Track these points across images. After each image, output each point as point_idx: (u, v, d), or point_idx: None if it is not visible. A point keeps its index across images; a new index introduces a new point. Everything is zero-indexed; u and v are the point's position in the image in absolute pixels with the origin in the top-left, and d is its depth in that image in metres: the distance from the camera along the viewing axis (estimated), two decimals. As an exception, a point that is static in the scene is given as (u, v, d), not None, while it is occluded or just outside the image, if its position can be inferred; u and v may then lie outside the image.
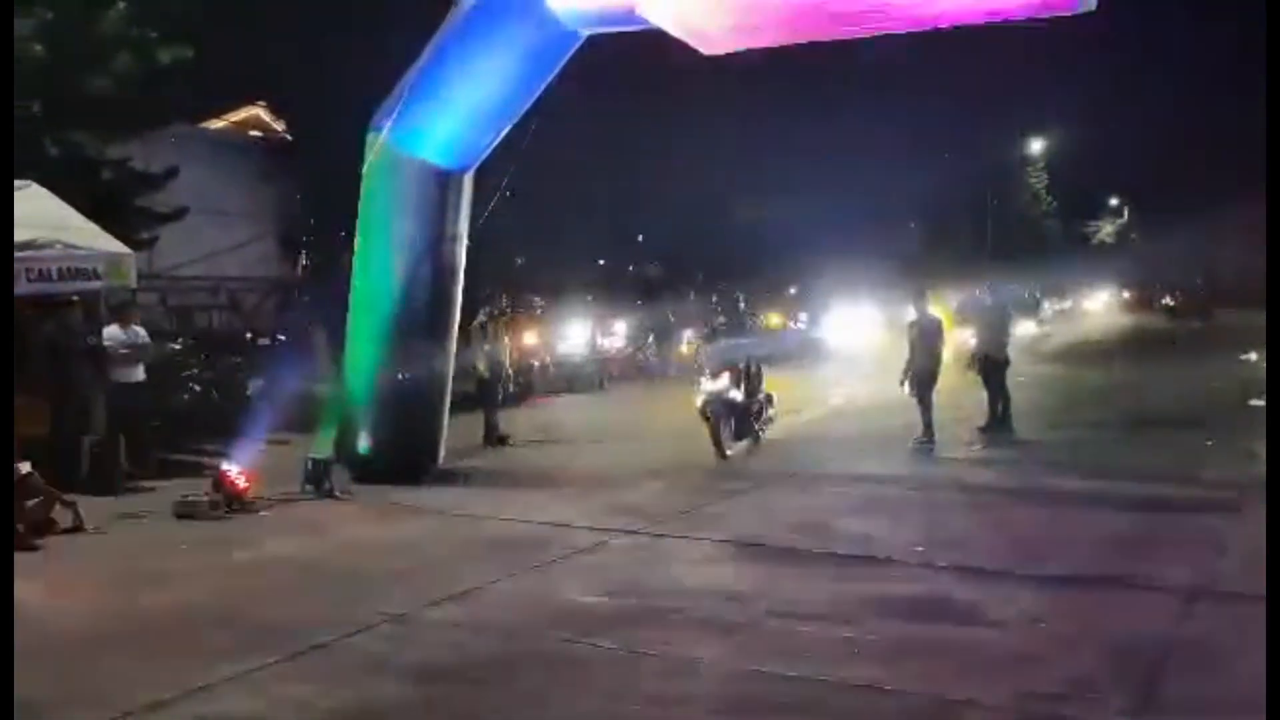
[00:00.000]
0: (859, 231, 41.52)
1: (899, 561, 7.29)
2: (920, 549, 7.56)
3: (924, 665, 5.29)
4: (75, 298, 10.84)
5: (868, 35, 10.33)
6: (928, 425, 12.14)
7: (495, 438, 13.38)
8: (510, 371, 14.57)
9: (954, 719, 4.66)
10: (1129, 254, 66.45)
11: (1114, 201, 71.55)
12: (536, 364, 19.83)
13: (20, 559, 7.92)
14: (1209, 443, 11.91)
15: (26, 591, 6.94)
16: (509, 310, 16.29)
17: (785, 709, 4.83)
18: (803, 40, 10.59)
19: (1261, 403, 13.75)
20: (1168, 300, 52.78)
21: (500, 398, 13.95)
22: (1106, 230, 71.71)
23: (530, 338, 19.91)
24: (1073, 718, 4.64)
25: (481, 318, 12.00)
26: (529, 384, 19.02)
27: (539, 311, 22.95)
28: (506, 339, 14.56)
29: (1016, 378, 17.97)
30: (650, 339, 25.89)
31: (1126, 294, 65.68)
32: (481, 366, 13.39)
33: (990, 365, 13.07)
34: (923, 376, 12.32)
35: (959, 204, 50.67)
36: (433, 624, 6.18)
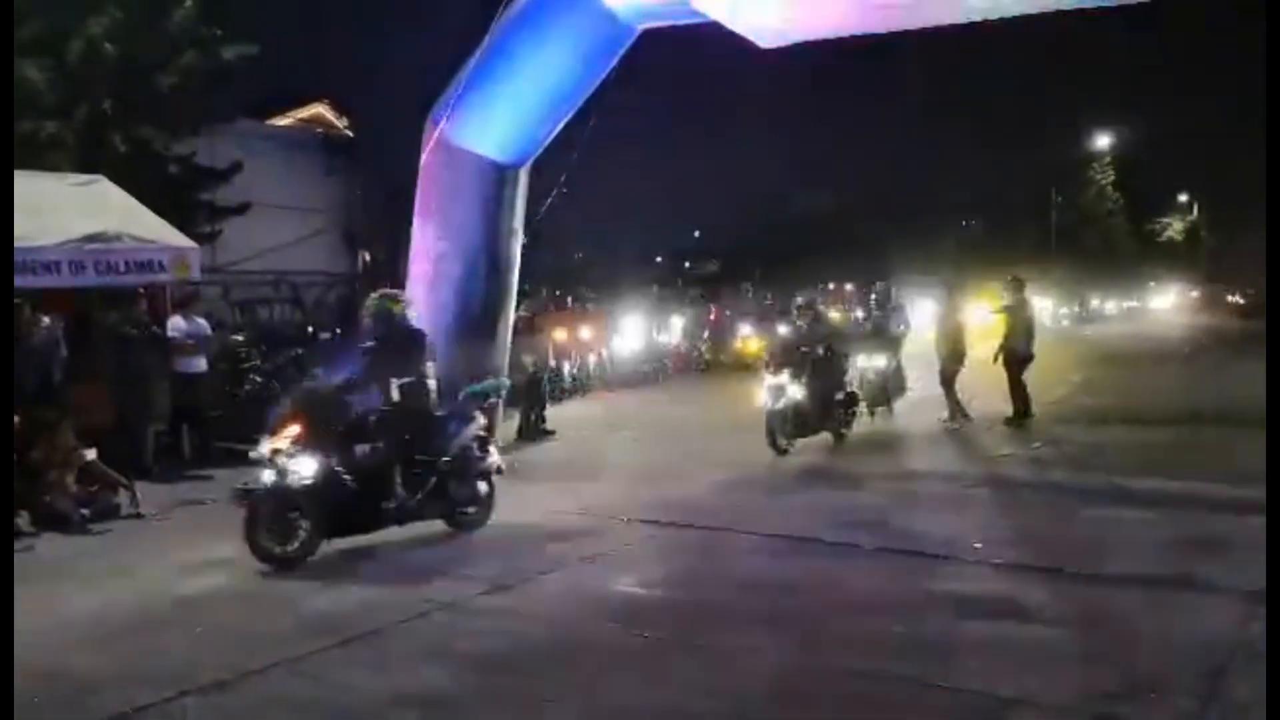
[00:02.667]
0: (920, 227, 41.15)
1: (956, 558, 7.18)
2: (978, 545, 7.44)
3: (979, 662, 5.20)
4: (140, 290, 11.09)
5: (927, 27, 10.19)
6: (954, 405, 13.53)
7: (541, 430, 13.46)
8: (553, 366, 14.54)
9: (1009, 717, 4.57)
10: (1199, 252, 64.94)
11: (1183, 198, 69.90)
12: (594, 358, 19.86)
13: (84, 543, 8.16)
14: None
15: (89, 575, 7.13)
16: (559, 302, 16.26)
17: (838, 702, 4.78)
18: (861, 32, 10.47)
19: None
20: (1238, 299, 51.45)
21: (544, 392, 13.97)
22: (1175, 228, 70.13)
23: (586, 333, 19.93)
24: (1132, 718, 4.53)
25: (523, 312, 12.02)
26: (586, 378, 19.06)
27: (591, 306, 22.94)
28: (549, 333, 14.55)
29: (1071, 378, 17.87)
30: (706, 334, 25.82)
31: (1195, 292, 64.19)
32: (527, 361, 13.43)
33: (1013, 359, 13.62)
34: (947, 364, 13.65)
35: (1023, 200, 49.96)
36: (484, 612, 6.22)
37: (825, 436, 12.08)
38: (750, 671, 5.19)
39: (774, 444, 11.33)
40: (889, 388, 14.17)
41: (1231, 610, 5.93)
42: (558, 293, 20.29)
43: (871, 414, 13.73)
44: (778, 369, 11.59)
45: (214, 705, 4.83)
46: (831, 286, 41.14)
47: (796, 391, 11.49)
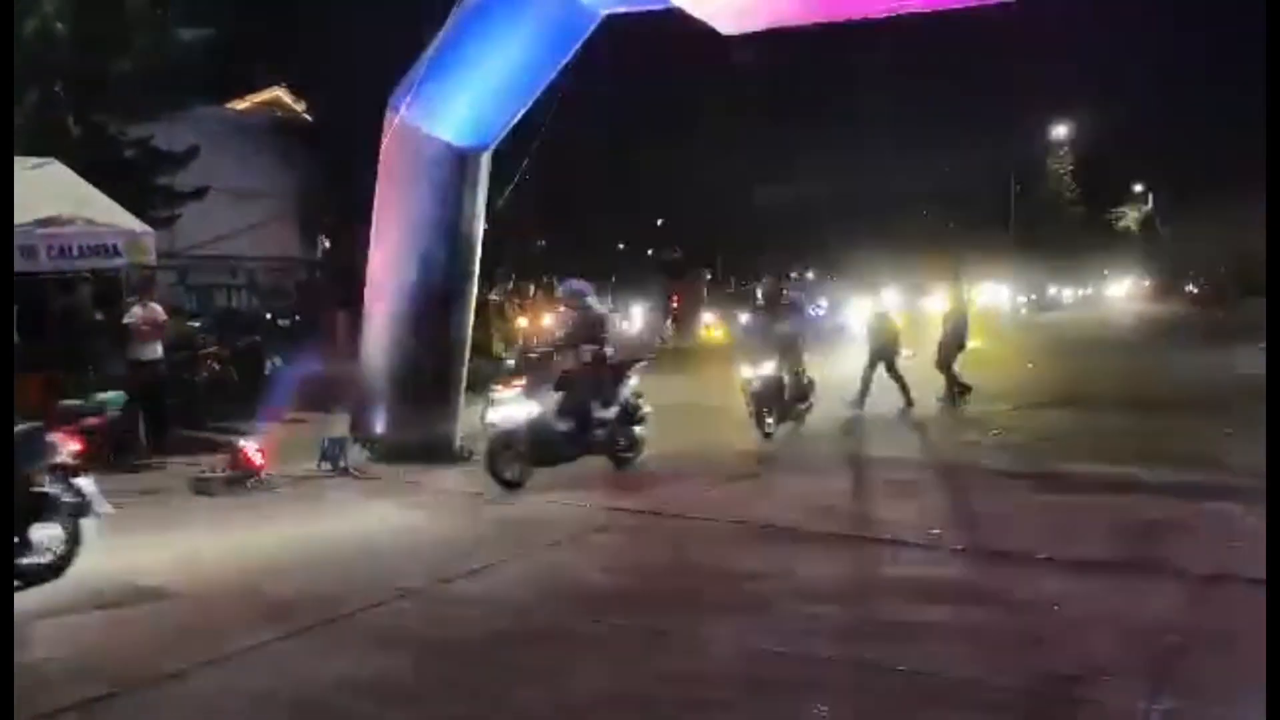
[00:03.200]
0: (881, 217, 41.43)
1: (914, 544, 7.25)
2: (936, 532, 7.52)
3: (938, 646, 5.26)
4: (88, 274, 10.91)
5: (888, 15, 10.23)
6: (864, 389, 14.08)
7: None
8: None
9: (967, 699, 4.63)
10: (1153, 241, 65.89)
11: (1138, 188, 70.85)
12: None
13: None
14: (1228, 431, 11.79)
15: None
16: (523, 290, 16.11)
17: (798, 687, 4.81)
18: (823, 20, 10.50)
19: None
20: (1191, 288, 52.32)
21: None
22: (1131, 217, 71.05)
23: (549, 320, 19.86)
24: (1088, 700, 4.60)
25: (495, 296, 11.76)
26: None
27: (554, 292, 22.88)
28: (519, 318, 14.41)
29: (1026, 365, 18.20)
30: (669, 321, 25.91)
31: (1148, 282, 65.18)
32: (498, 347, 13.32)
33: (948, 351, 14.70)
34: (884, 355, 14.34)
35: (983, 190, 50.38)
36: (447, 600, 6.20)
37: (598, 462, 9.93)
38: (710, 657, 5.22)
39: (496, 474, 9.10)
40: (786, 399, 12.16)
41: (1182, 593, 6.06)
42: (522, 280, 20.23)
43: (765, 433, 11.71)
44: (513, 382, 9.38)
45: (172, 696, 4.78)
46: (795, 275, 41.35)
47: (533, 409, 9.25)
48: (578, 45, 10.57)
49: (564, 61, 10.64)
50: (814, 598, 6.08)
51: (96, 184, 11.57)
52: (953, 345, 14.64)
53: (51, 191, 10.76)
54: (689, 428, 12.26)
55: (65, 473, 6.57)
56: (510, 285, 13.93)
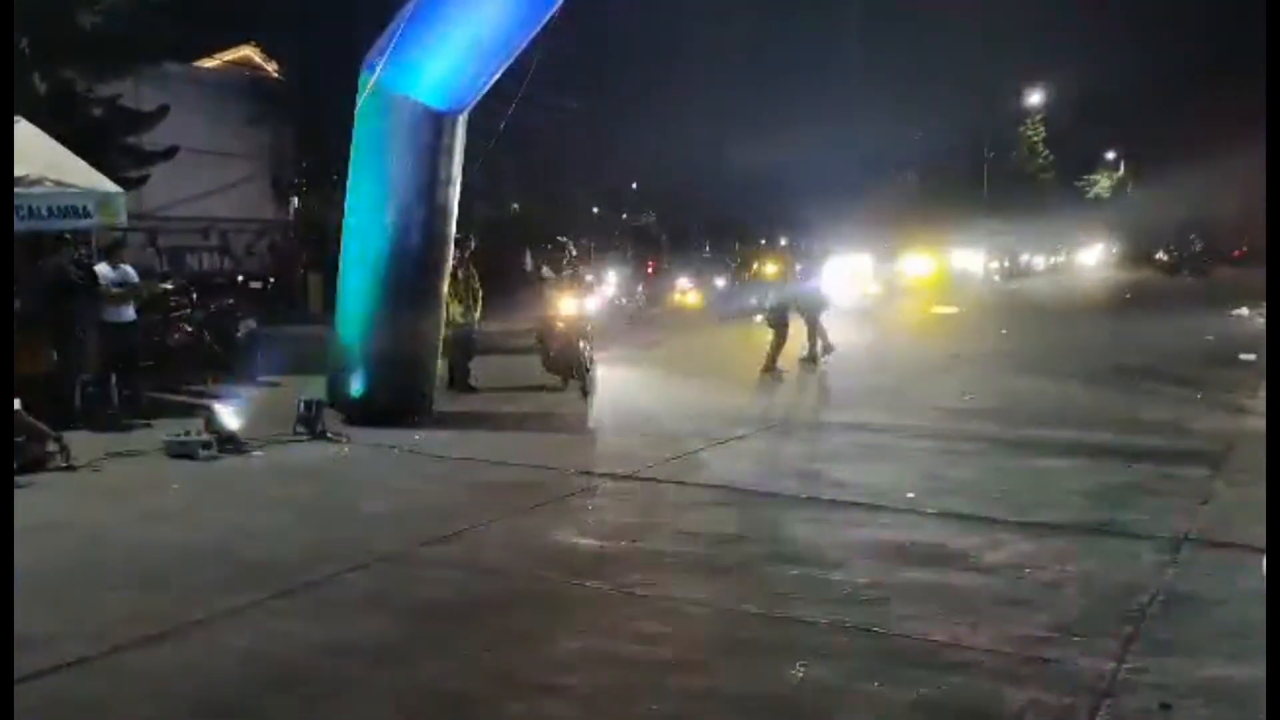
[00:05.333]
0: (856, 183, 41.41)
1: (889, 507, 7.35)
2: (910, 495, 7.62)
3: (912, 608, 5.35)
4: (68, 235, 10.76)
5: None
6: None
7: (466, 384, 13.19)
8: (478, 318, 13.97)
9: (941, 661, 4.72)
10: (1125, 209, 66.23)
11: (1110, 155, 71.13)
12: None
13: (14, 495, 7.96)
14: (1198, 396, 11.98)
15: (21, 527, 6.97)
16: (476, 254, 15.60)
17: (774, 650, 4.88)
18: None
19: (1251, 357, 13.88)
20: (1162, 255, 52.73)
21: (472, 344, 13.63)
22: (1103, 184, 71.37)
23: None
24: (1058, 659, 4.70)
25: (452, 261, 11.58)
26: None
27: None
28: (478, 283, 14.00)
29: (999, 331, 18.29)
30: (641, 288, 25.88)
31: (1116, 249, 65.64)
32: (454, 311, 12.89)
33: (810, 309, 15.43)
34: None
35: (956, 156, 50.42)
36: (425, 563, 6.23)
37: None
38: (688, 620, 5.28)
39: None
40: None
41: (1150, 556, 6.18)
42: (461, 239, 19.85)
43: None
44: None
45: (153, 656, 4.80)
46: (764, 242, 41.23)
47: None
48: (557, 5, 10.43)
49: (545, 19, 10.49)
50: (790, 561, 6.15)
51: (64, 143, 11.40)
52: (815, 307, 15.29)
53: (19, 151, 10.58)
54: (665, 391, 12.33)
55: None
56: (472, 249, 13.65)
